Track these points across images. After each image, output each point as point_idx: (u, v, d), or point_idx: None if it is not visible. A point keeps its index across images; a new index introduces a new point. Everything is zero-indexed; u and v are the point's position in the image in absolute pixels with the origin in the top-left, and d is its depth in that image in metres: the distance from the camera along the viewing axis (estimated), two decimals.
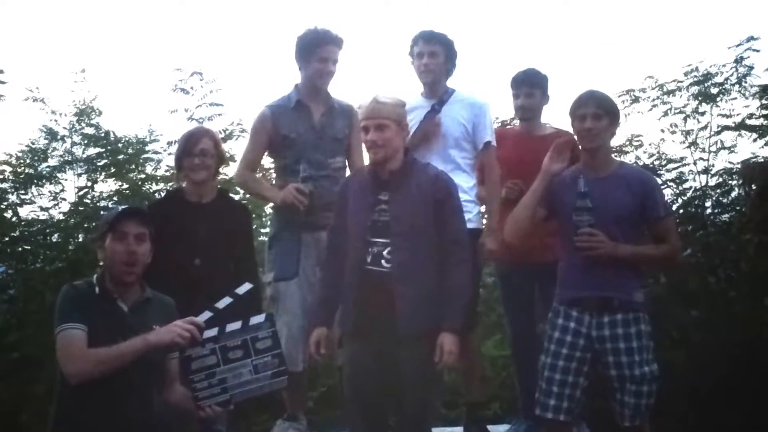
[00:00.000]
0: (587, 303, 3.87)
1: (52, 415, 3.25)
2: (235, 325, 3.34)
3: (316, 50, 4.62)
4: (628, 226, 3.88)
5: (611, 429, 3.96)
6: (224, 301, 3.42)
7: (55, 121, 7.73)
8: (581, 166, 3.97)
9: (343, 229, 3.91)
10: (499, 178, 4.98)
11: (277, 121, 4.65)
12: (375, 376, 3.78)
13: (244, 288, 3.48)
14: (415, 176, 3.85)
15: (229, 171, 6.61)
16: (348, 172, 4.71)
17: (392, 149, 3.81)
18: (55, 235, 7.49)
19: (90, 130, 7.76)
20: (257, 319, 3.39)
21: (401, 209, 3.78)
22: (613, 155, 4.28)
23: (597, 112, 3.86)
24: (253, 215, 7.11)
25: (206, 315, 3.34)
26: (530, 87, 4.90)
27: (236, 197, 5.82)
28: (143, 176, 7.69)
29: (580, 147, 3.97)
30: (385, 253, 3.76)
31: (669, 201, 6.90)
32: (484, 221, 5.00)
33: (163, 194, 6.84)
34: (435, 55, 4.72)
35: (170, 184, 7.06)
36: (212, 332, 3.29)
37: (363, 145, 4.04)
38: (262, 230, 6.98)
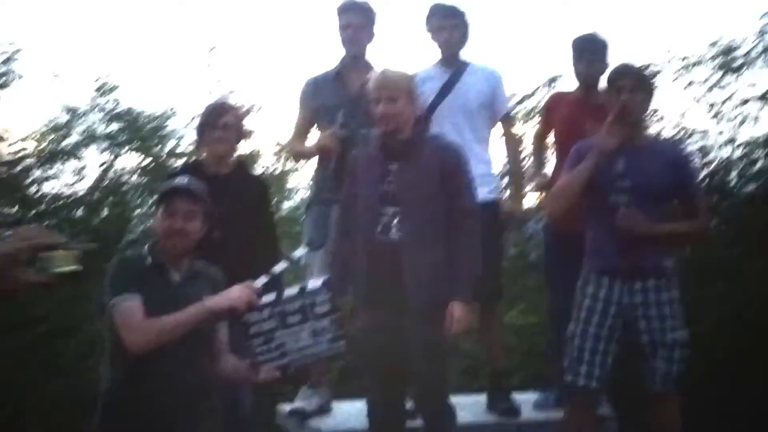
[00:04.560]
0: (618, 270, 3.86)
1: (105, 386, 3.26)
2: (293, 290, 3.32)
3: (340, 19, 4.69)
4: (663, 202, 3.89)
5: (630, 401, 3.97)
6: (281, 266, 3.42)
7: (72, 95, 7.76)
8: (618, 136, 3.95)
9: (354, 200, 3.92)
10: (518, 148, 4.97)
11: (316, 92, 4.71)
12: (388, 347, 3.79)
13: (281, 266, 3.47)
14: (426, 147, 3.87)
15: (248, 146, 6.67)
16: None
17: (403, 120, 3.82)
18: (80, 210, 7.54)
19: (110, 105, 7.78)
20: (314, 284, 3.38)
21: (411, 178, 3.79)
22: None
23: (634, 85, 3.86)
24: (276, 189, 7.19)
25: (262, 280, 3.34)
26: (594, 53, 4.82)
27: (256, 171, 5.84)
28: (166, 151, 7.72)
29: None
30: (394, 222, 3.77)
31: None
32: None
33: None
34: (455, 29, 4.71)
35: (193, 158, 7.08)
36: (270, 297, 3.28)
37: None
38: (285, 203, 7.00)
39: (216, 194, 4.12)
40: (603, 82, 4.74)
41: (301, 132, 4.84)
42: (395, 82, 3.82)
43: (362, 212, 3.86)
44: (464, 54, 4.85)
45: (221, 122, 4.22)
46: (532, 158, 5.08)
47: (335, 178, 4.39)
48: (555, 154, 4.98)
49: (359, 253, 3.86)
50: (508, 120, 4.92)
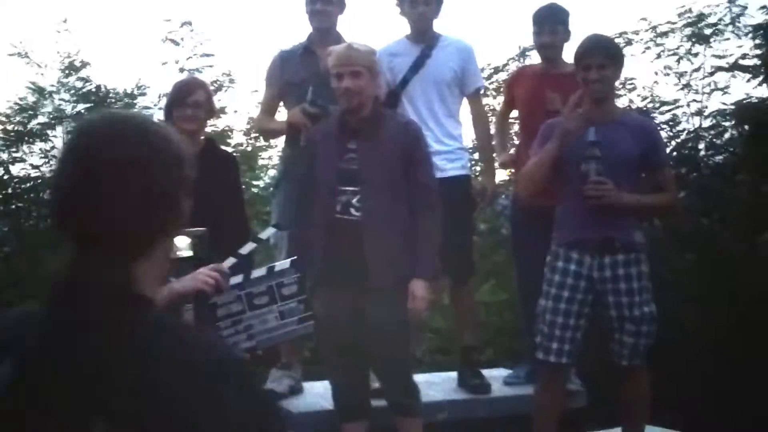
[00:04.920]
0: (588, 244, 3.87)
1: None
2: (260, 272, 3.31)
3: None
4: (632, 174, 3.89)
5: (599, 374, 3.99)
6: (248, 247, 3.40)
7: (41, 74, 7.65)
8: (586, 113, 3.94)
9: (312, 178, 3.88)
10: (488, 123, 4.95)
11: (284, 67, 4.64)
12: (348, 326, 3.78)
13: (268, 232, 3.46)
14: (385, 124, 3.83)
15: (219, 123, 6.59)
16: None
17: (366, 97, 3.78)
18: (48, 192, 7.44)
19: (78, 84, 7.68)
20: (282, 265, 3.36)
21: (371, 157, 3.76)
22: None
23: (602, 62, 3.84)
24: (247, 167, 7.15)
25: (230, 261, 3.31)
26: (554, 23, 4.76)
27: (227, 149, 5.79)
28: None
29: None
30: (354, 201, 3.74)
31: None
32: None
33: None
34: (429, 3, 4.67)
35: None
36: (237, 279, 3.26)
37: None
38: (254, 182, 6.96)
39: None
40: (566, 52, 4.75)
41: (269, 108, 4.78)
42: (359, 57, 3.76)
43: (321, 191, 3.82)
44: (436, 25, 4.81)
45: (190, 100, 4.16)
46: (495, 136, 5.02)
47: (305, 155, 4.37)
48: (520, 129, 4.96)
49: (318, 232, 3.83)
50: (477, 95, 4.89)
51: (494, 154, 5.04)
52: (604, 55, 3.86)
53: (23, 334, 1.23)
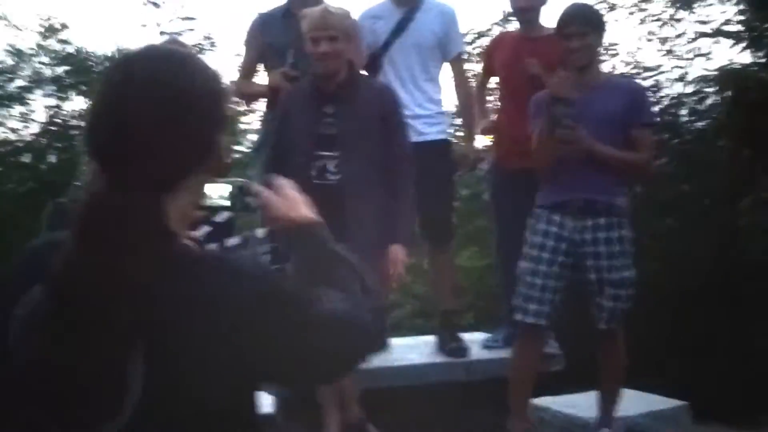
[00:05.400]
0: (570, 206, 3.86)
1: None
2: (235, 240, 3.27)
3: None
4: (615, 133, 3.84)
5: (577, 338, 4.00)
6: (223, 215, 3.36)
7: (20, 38, 7.57)
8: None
9: (284, 141, 3.85)
10: (469, 88, 4.92)
11: (264, 30, 4.57)
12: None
13: (222, 216, 3.41)
14: (361, 89, 3.80)
15: None
16: None
17: (342, 61, 3.74)
18: (27, 156, 7.41)
19: (58, 47, 7.60)
20: (258, 233, 3.33)
21: (349, 122, 3.73)
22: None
23: (583, 30, 3.81)
24: (228, 132, 7.09)
25: (205, 229, 3.28)
26: None
27: None
28: None
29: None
30: (331, 166, 3.72)
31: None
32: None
33: None
34: None
35: None
36: (212, 247, 3.23)
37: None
38: (235, 147, 6.91)
39: None
40: (543, 16, 4.73)
41: (249, 72, 4.71)
42: (334, 20, 3.71)
43: (295, 156, 3.78)
44: None
45: None
46: (475, 103, 5.00)
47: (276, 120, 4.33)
48: (500, 95, 4.93)
49: None
50: (459, 60, 4.85)
51: (475, 120, 5.02)
52: (584, 22, 3.83)
53: (51, 263, 1.24)
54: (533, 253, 3.91)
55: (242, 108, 7.58)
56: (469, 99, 4.95)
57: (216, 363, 1.25)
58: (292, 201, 1.75)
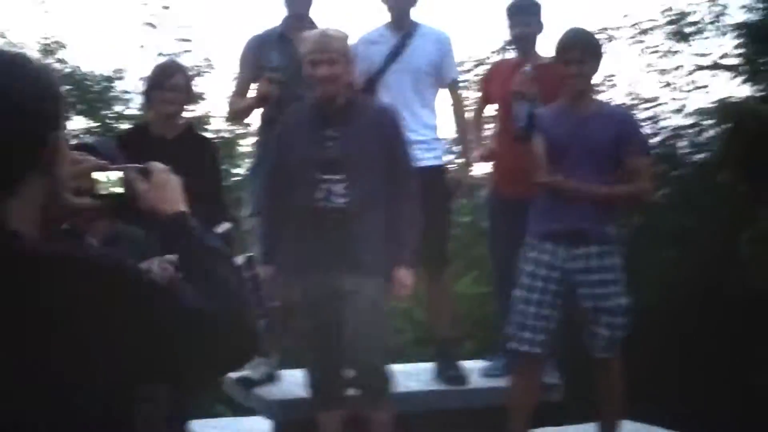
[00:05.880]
0: (560, 235, 3.86)
1: None
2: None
3: None
4: (607, 161, 3.86)
5: (579, 370, 3.98)
6: (223, 226, 3.35)
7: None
8: (563, 104, 3.94)
9: (284, 167, 3.82)
10: (464, 113, 4.92)
11: (259, 52, 4.56)
12: (328, 313, 3.72)
13: (223, 227, 3.40)
14: (363, 111, 3.77)
15: (198, 109, 6.51)
16: None
17: (341, 84, 3.71)
18: None
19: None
20: (237, 260, 3.31)
21: (354, 144, 3.69)
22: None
23: (582, 57, 3.84)
24: (226, 154, 7.10)
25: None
26: (526, 15, 4.76)
27: (206, 135, 5.73)
28: (114, 115, 7.58)
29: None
30: (338, 189, 3.68)
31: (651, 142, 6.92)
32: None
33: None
34: None
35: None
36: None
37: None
38: (233, 170, 6.90)
39: (163, 157, 4.04)
40: (541, 44, 4.75)
41: (242, 92, 4.65)
42: (333, 43, 3.68)
43: (298, 180, 3.73)
44: (415, 14, 4.76)
45: (169, 83, 4.11)
46: (472, 130, 5.00)
47: (271, 123, 4.31)
48: (495, 122, 4.92)
49: (298, 221, 3.77)
50: (455, 85, 4.84)
51: (472, 146, 5.01)
52: (583, 50, 3.86)
53: None
54: (526, 282, 3.90)
55: (239, 129, 7.60)
56: (466, 126, 4.93)
57: (62, 363, 1.20)
58: (163, 189, 1.67)
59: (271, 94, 4.26)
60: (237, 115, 4.91)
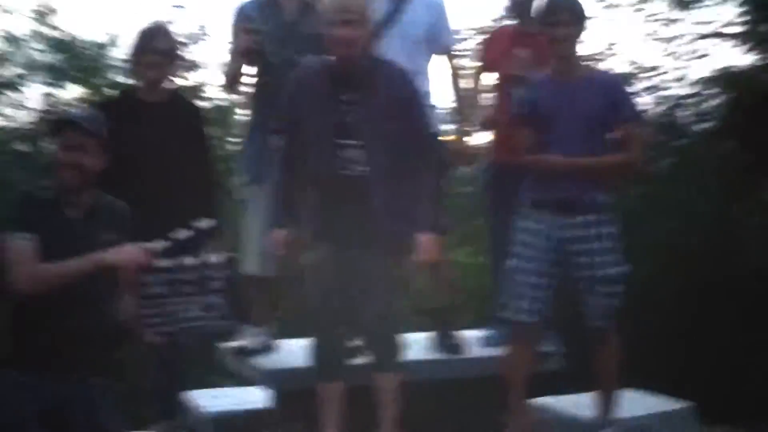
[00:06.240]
0: (550, 203, 3.80)
1: (6, 326, 3.15)
2: (192, 260, 3.22)
3: None
4: (597, 129, 3.80)
5: (579, 338, 3.94)
6: (183, 233, 3.29)
7: (11, 23, 7.51)
8: (551, 72, 3.88)
9: (297, 128, 3.74)
10: (462, 82, 4.86)
11: (247, 18, 4.48)
12: (341, 281, 3.68)
13: (207, 223, 3.34)
14: (381, 73, 3.67)
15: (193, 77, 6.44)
16: None
17: (359, 45, 3.61)
18: (21, 143, 7.35)
19: (50, 32, 7.53)
20: (216, 258, 3.27)
21: (373, 109, 3.60)
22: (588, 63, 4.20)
23: (569, 19, 3.78)
24: (223, 123, 7.04)
25: (163, 243, 3.22)
26: None
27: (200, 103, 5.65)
28: (108, 82, 7.50)
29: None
30: (356, 156, 3.62)
31: (645, 109, 6.84)
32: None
33: None
34: None
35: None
36: (168, 262, 3.17)
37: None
38: (229, 139, 6.84)
39: (149, 121, 4.00)
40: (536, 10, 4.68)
41: (233, 59, 4.61)
42: (352, 4, 3.59)
43: (315, 146, 3.66)
44: None
45: (154, 46, 4.04)
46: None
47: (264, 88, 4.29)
48: (494, 89, 4.86)
49: (317, 187, 3.71)
50: (452, 53, 4.77)
51: (470, 114, 4.95)
52: (570, 12, 3.81)
53: None
54: (518, 251, 3.85)
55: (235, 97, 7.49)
56: (464, 94, 4.87)
57: None
58: None
59: (250, 44, 4.18)
60: (229, 80, 4.83)
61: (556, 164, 3.78)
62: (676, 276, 5.98)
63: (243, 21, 4.48)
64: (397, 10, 4.48)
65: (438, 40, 4.62)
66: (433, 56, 4.68)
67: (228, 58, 4.65)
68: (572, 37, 3.81)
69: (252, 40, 4.19)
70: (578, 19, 3.83)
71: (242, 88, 4.88)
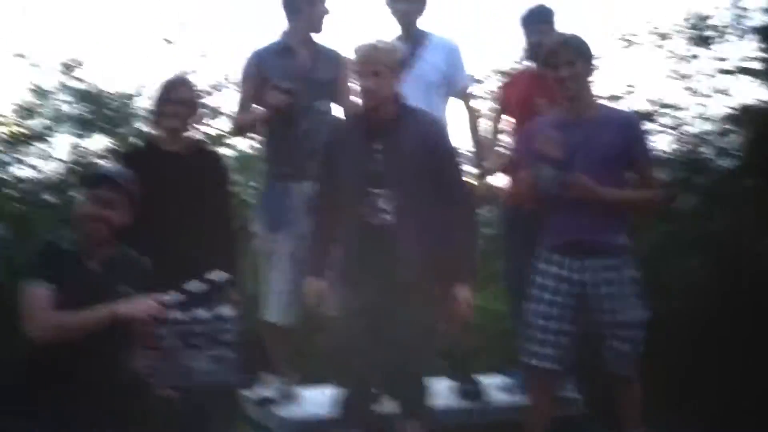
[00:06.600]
0: (569, 247, 3.79)
1: (20, 368, 3.18)
2: (204, 313, 3.25)
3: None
4: (614, 168, 3.81)
5: (598, 385, 3.92)
6: (196, 285, 3.33)
7: (40, 76, 7.65)
8: (562, 112, 3.89)
9: (332, 178, 3.80)
10: (479, 124, 4.88)
11: (262, 66, 4.54)
12: (370, 328, 3.69)
13: (221, 276, 3.39)
14: (410, 123, 3.73)
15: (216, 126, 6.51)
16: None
17: (386, 96, 3.69)
18: (48, 194, 7.45)
19: (77, 85, 7.66)
20: (227, 311, 3.30)
21: (398, 158, 3.66)
22: (605, 102, 4.20)
23: (570, 58, 3.79)
24: (244, 170, 7.09)
25: (176, 296, 3.26)
26: (538, 23, 4.72)
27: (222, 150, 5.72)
28: (133, 132, 7.61)
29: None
30: (382, 203, 3.66)
31: (668, 147, 6.86)
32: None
33: None
34: (413, 1, 4.62)
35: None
36: (179, 315, 3.21)
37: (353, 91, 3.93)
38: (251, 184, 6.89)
39: (170, 172, 4.06)
40: None
41: (246, 106, 4.64)
42: (380, 55, 3.67)
43: (347, 194, 3.72)
44: (432, 25, 4.73)
45: (174, 97, 4.11)
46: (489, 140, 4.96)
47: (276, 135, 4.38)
48: (512, 133, 4.88)
49: (345, 235, 3.76)
50: (468, 96, 4.81)
51: (487, 156, 4.96)
52: (571, 51, 3.81)
53: None
54: (538, 295, 3.85)
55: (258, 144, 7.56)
56: (479, 135, 4.90)
57: None
58: None
59: (282, 104, 4.26)
60: (243, 128, 4.89)
61: (580, 187, 3.72)
62: (700, 314, 5.91)
63: (261, 72, 4.55)
64: (413, 54, 4.54)
65: (454, 84, 4.68)
66: (450, 99, 4.75)
67: (239, 104, 4.70)
68: (578, 76, 3.80)
69: (284, 100, 4.27)
70: (582, 57, 3.82)
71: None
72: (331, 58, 4.62)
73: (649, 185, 3.88)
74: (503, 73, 7.79)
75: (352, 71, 3.80)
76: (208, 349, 3.20)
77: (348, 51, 4.58)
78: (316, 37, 4.59)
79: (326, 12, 4.56)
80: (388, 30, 4.74)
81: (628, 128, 3.88)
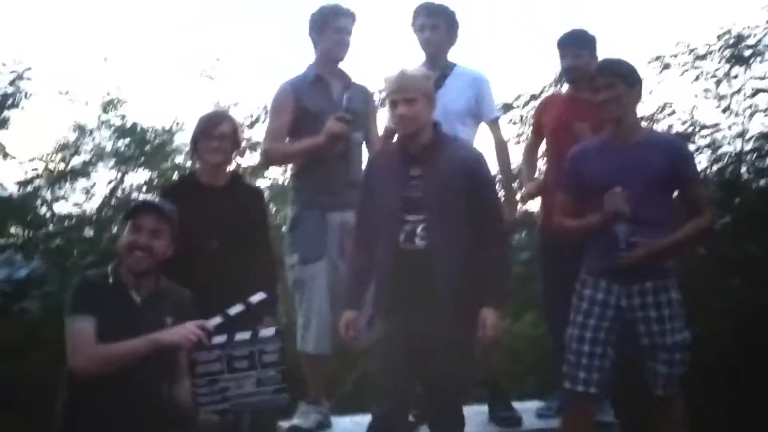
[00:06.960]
0: (616, 272, 3.77)
1: (61, 403, 3.23)
2: (245, 335, 3.29)
3: (331, 22, 4.56)
4: (661, 192, 3.77)
5: (636, 408, 3.87)
6: (236, 309, 3.37)
7: (82, 113, 7.80)
8: (607, 137, 3.88)
9: (371, 207, 3.84)
10: (508, 152, 4.89)
11: (298, 96, 4.59)
12: (409, 353, 3.70)
13: (258, 297, 3.43)
14: (446, 150, 3.77)
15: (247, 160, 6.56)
16: (365, 151, 4.65)
17: (421, 123, 3.73)
18: (89, 230, 7.56)
19: (117, 121, 7.81)
20: (267, 332, 3.33)
21: (434, 184, 3.69)
22: (643, 124, 4.17)
23: (611, 81, 3.77)
24: (282, 202, 7.14)
25: (217, 320, 3.30)
26: (577, 47, 4.72)
27: (260, 183, 5.77)
28: (173, 166, 7.72)
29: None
30: (419, 230, 3.68)
31: (704, 167, 6.80)
32: None
33: None
34: (437, 29, 4.64)
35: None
36: (221, 339, 3.24)
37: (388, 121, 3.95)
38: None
39: (209, 205, 4.11)
40: None
41: (278, 137, 4.65)
42: (412, 83, 3.71)
43: (384, 220, 3.75)
44: (456, 55, 4.76)
45: (216, 132, 4.16)
46: (522, 169, 4.96)
47: (343, 161, 4.45)
48: (547, 157, 4.88)
49: (382, 262, 3.77)
50: (496, 124, 4.82)
51: (515, 184, 4.97)
52: (610, 73, 3.80)
53: None
54: (580, 320, 3.83)
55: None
56: (508, 163, 4.90)
57: None
58: None
59: (343, 132, 4.34)
60: (289, 157, 4.88)
61: (633, 258, 3.70)
62: (741, 336, 5.82)
63: (299, 102, 4.60)
64: (439, 83, 4.57)
65: (481, 114, 4.69)
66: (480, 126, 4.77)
67: (270, 135, 4.72)
68: (620, 98, 3.77)
69: (344, 128, 4.34)
70: (626, 80, 3.79)
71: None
72: (361, 91, 4.68)
73: (699, 207, 3.84)
74: (533, 96, 7.81)
75: (386, 100, 3.83)
76: (250, 370, 3.23)
77: (368, 81, 4.70)
78: (343, 68, 4.66)
79: (348, 40, 4.63)
80: (405, 59, 4.80)
81: (675, 151, 3.85)
